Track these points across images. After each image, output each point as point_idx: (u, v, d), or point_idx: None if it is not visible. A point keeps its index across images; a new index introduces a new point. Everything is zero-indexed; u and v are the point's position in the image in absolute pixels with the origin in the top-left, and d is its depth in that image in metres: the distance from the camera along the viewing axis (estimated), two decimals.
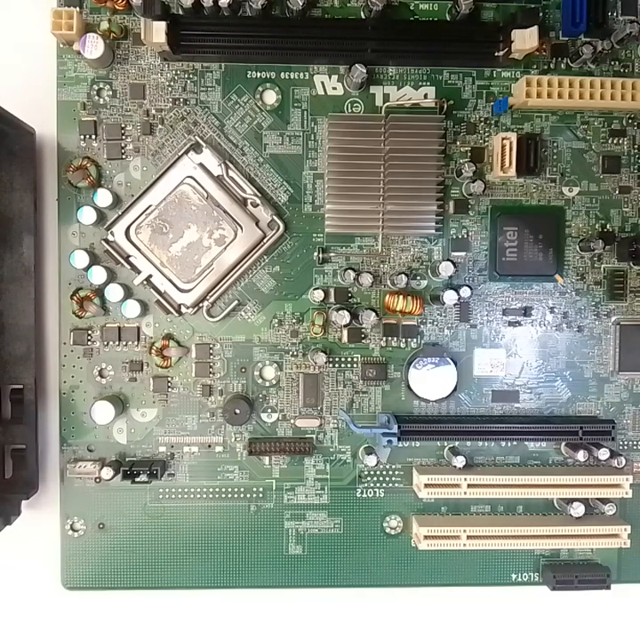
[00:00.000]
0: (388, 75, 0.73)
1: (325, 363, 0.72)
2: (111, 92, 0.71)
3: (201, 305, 0.72)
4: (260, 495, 0.74)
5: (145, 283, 0.72)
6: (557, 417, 0.75)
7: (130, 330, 0.72)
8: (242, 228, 0.71)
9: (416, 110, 0.73)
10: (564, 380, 0.75)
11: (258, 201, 0.71)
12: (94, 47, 0.69)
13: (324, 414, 0.74)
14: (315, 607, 0.77)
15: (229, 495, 0.74)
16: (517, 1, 0.72)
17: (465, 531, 0.72)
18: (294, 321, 0.73)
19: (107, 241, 0.71)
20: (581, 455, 0.72)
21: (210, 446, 0.74)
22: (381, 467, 0.75)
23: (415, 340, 0.74)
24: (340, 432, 0.74)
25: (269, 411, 0.74)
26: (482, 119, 0.73)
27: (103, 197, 0.71)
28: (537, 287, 0.74)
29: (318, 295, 0.72)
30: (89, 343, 0.72)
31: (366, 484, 0.75)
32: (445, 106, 0.73)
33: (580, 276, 0.74)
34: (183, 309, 0.72)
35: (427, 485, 0.72)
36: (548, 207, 0.74)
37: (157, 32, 0.66)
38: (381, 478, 0.75)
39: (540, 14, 0.72)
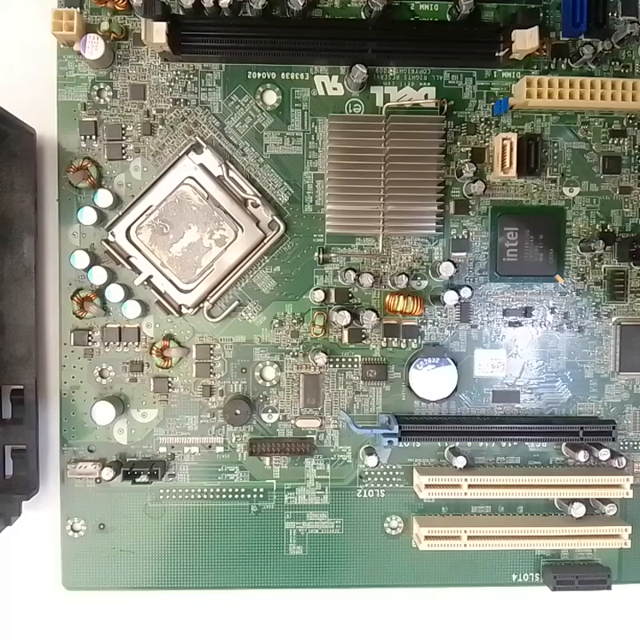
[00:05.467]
0: (389, 75, 0.73)
1: (326, 363, 0.72)
2: (112, 93, 0.71)
3: (201, 305, 0.72)
4: (261, 496, 0.74)
5: (145, 283, 0.72)
6: (558, 417, 0.75)
7: (130, 330, 0.72)
8: (242, 229, 0.71)
9: (416, 111, 0.73)
10: (565, 381, 0.75)
11: (258, 201, 0.71)
12: (95, 48, 0.69)
13: (324, 415, 0.74)
14: (315, 608, 0.77)
15: (230, 496, 0.74)
16: (518, 1, 0.72)
17: (465, 531, 0.72)
18: (295, 321, 0.73)
19: (107, 241, 0.71)
20: (582, 455, 0.72)
21: (210, 447, 0.74)
22: (382, 467, 0.75)
23: (416, 340, 0.74)
24: (340, 432, 0.74)
25: (270, 411, 0.74)
26: (482, 119, 0.73)
27: (103, 198, 0.71)
28: (537, 287, 0.74)
29: (319, 296, 0.72)
30: (89, 344, 0.72)
31: (367, 485, 0.75)
32: (446, 106, 0.73)
33: (581, 276, 0.74)
34: (184, 310, 0.72)
35: (427, 486, 0.72)
36: (548, 207, 0.74)
37: (158, 32, 0.66)
38: (382, 479, 0.75)
39: (541, 14, 0.72)
